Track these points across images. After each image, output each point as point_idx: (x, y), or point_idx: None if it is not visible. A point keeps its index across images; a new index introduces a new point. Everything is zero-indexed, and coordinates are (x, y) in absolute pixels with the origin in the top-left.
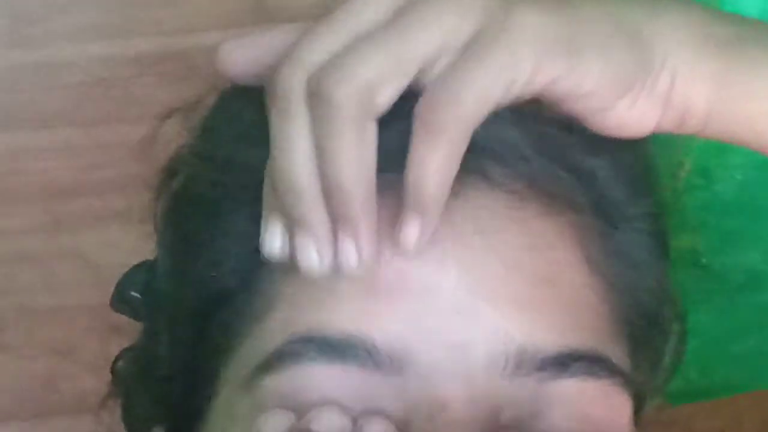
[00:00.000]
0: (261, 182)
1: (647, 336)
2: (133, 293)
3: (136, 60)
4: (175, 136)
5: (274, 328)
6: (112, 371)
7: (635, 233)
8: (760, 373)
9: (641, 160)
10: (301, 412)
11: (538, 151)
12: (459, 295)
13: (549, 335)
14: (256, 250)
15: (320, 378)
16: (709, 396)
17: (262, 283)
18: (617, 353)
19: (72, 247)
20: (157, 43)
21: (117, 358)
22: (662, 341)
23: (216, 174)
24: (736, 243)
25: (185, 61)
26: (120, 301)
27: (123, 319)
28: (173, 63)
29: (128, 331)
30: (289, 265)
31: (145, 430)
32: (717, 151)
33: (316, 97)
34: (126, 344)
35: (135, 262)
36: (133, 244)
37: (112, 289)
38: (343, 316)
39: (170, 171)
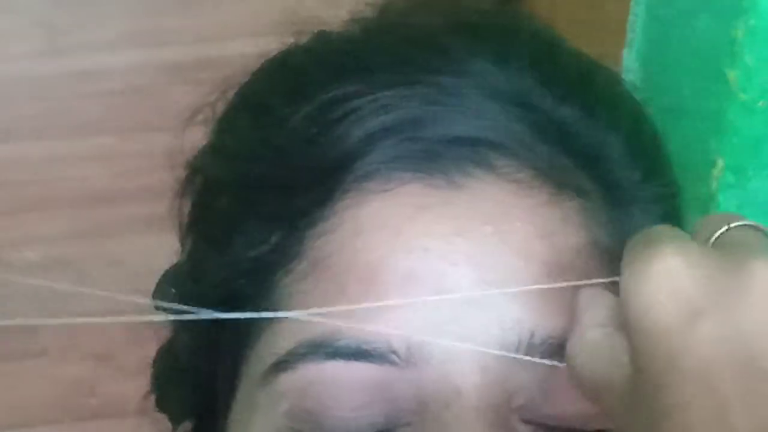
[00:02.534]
0: (275, 184)
1: None
2: (172, 289)
3: (172, 68)
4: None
5: (287, 329)
6: (153, 365)
7: (645, 215)
8: None
9: (652, 142)
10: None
11: (542, 139)
12: (467, 288)
13: (559, 321)
14: (270, 251)
15: (334, 375)
16: None
17: (275, 285)
18: None
19: (109, 253)
20: (192, 50)
21: (156, 356)
22: None
23: (231, 177)
24: None
25: (220, 69)
26: (160, 296)
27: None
28: (208, 70)
29: (165, 335)
30: (303, 269)
31: (175, 424)
32: (752, 150)
33: None
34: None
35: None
36: (169, 250)
37: (148, 294)
38: (356, 322)
39: (192, 171)
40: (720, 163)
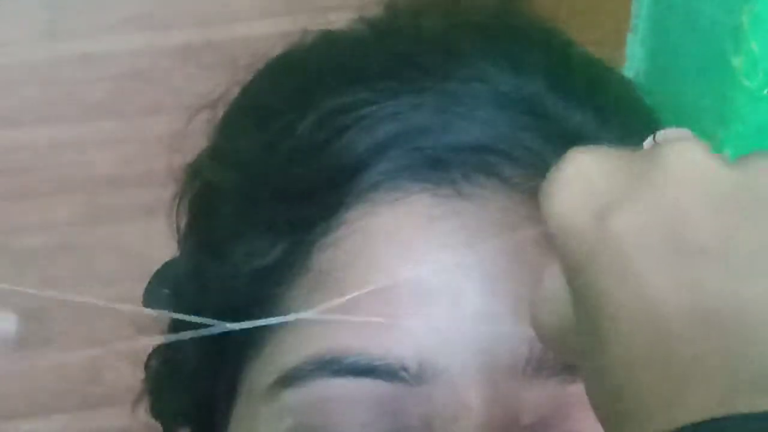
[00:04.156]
0: (279, 193)
1: None
2: (165, 290)
3: (177, 51)
4: (207, 128)
5: (294, 342)
6: (146, 368)
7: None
8: None
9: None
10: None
11: (553, 147)
12: (482, 302)
13: None
14: (275, 262)
15: (341, 392)
16: None
17: (279, 297)
18: None
19: (113, 239)
20: (197, 33)
21: (150, 356)
22: None
23: (234, 184)
24: None
25: (226, 52)
26: (152, 299)
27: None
28: (214, 54)
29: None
30: (309, 281)
31: (171, 429)
32: (757, 137)
33: None
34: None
35: (176, 254)
36: (173, 236)
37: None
38: (366, 337)
39: (193, 172)
40: (725, 151)
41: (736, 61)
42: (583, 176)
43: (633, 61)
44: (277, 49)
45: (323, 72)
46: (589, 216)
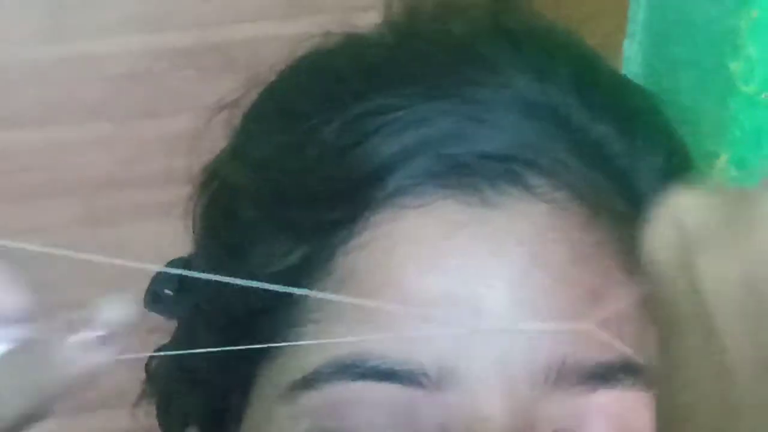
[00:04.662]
0: (303, 195)
1: None
2: (167, 291)
3: (174, 53)
4: (214, 130)
5: (314, 345)
6: (147, 370)
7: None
8: None
9: (686, 163)
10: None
11: (579, 158)
12: (504, 311)
13: (590, 348)
14: (297, 265)
15: (360, 395)
16: None
17: (300, 300)
18: None
19: (110, 241)
20: (194, 35)
21: (151, 358)
22: None
23: (257, 186)
24: None
25: (223, 54)
26: (153, 300)
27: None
28: (211, 56)
29: (168, 326)
30: (332, 284)
31: (179, 430)
32: (755, 142)
33: None
34: (164, 340)
35: (174, 256)
36: (172, 238)
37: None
38: (387, 342)
39: (210, 174)
40: (723, 156)
41: (734, 66)
42: (677, 211)
43: (630, 66)
44: (276, 53)
45: (349, 75)
46: (675, 251)
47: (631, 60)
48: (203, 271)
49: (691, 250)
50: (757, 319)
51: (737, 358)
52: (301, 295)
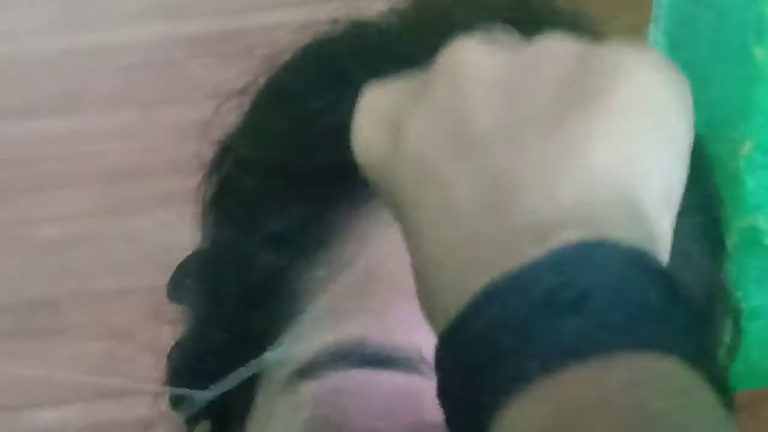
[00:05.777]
0: (307, 168)
1: None
2: (188, 282)
3: (194, 41)
4: (232, 117)
5: (313, 332)
6: (168, 360)
7: (683, 226)
8: None
9: (694, 147)
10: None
11: None
12: None
13: None
14: (295, 252)
15: (358, 383)
16: None
17: (299, 284)
18: None
19: (130, 230)
20: (214, 23)
21: (173, 348)
22: (713, 337)
23: (259, 157)
24: None
25: (243, 42)
26: (176, 291)
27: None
28: (230, 43)
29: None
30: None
31: (192, 423)
32: None
33: None
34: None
35: (193, 245)
36: (191, 226)
37: (170, 270)
38: (387, 327)
39: (221, 150)
40: (748, 142)
41: (759, 52)
42: (376, 106)
43: None
44: (294, 40)
45: (354, 62)
46: (385, 139)
47: (657, 47)
48: (207, 259)
49: (396, 123)
50: (469, 155)
51: (460, 194)
52: (298, 284)
